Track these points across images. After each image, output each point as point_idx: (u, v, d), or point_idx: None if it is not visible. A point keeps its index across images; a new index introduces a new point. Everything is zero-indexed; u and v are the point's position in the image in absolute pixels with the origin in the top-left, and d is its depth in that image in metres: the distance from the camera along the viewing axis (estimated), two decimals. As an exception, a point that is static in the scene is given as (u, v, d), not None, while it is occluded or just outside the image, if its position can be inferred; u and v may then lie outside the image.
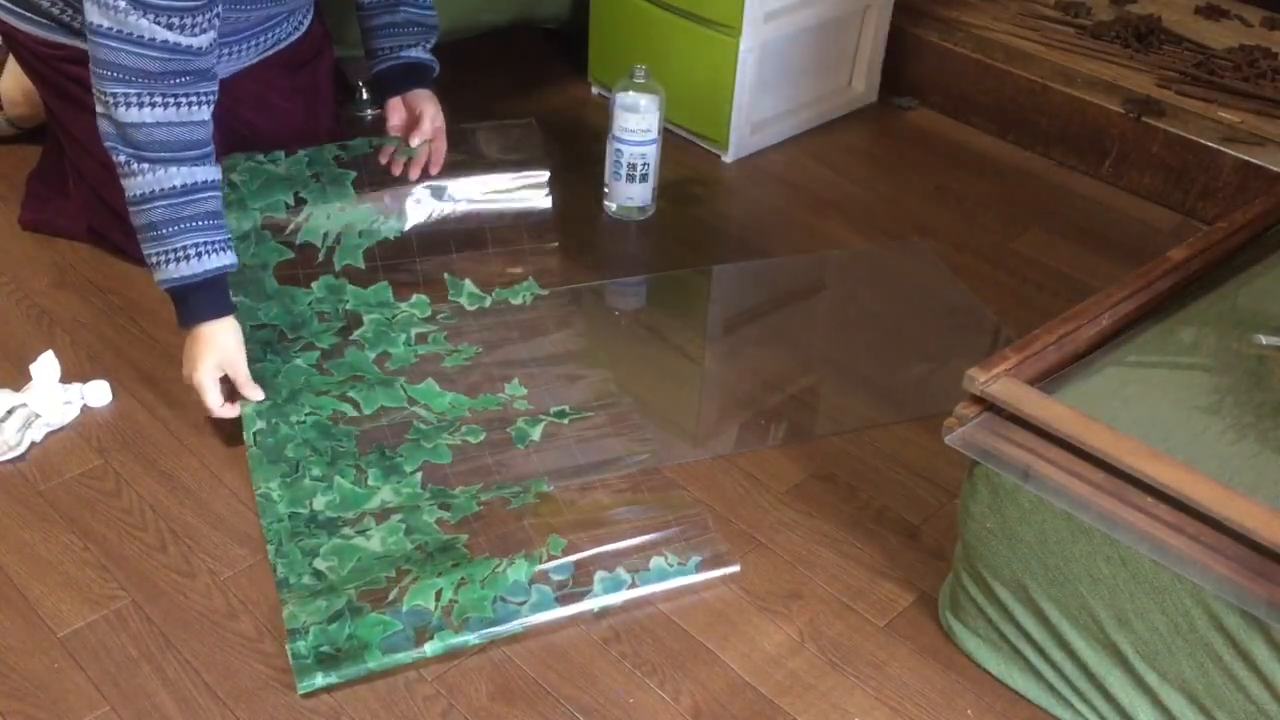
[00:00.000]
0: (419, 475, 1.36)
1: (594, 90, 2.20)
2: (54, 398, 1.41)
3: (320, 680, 1.14)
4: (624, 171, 1.81)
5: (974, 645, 1.21)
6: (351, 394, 1.44)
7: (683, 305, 1.71)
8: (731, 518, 1.36)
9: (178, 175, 1.33)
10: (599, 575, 1.24)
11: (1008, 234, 1.89)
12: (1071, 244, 1.88)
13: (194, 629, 1.20)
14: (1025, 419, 1.09)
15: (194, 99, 1.33)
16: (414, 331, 1.54)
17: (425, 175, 1.61)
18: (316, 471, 1.34)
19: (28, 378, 1.46)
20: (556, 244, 1.66)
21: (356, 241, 1.56)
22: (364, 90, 2.06)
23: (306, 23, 1.66)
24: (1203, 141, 1.92)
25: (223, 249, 1.37)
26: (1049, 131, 2.08)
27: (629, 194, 1.83)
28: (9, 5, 1.51)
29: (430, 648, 1.17)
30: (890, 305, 1.71)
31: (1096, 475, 1.05)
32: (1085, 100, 2.02)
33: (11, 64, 1.80)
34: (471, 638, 1.18)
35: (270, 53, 1.60)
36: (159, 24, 1.28)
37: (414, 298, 1.58)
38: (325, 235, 1.55)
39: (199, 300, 1.37)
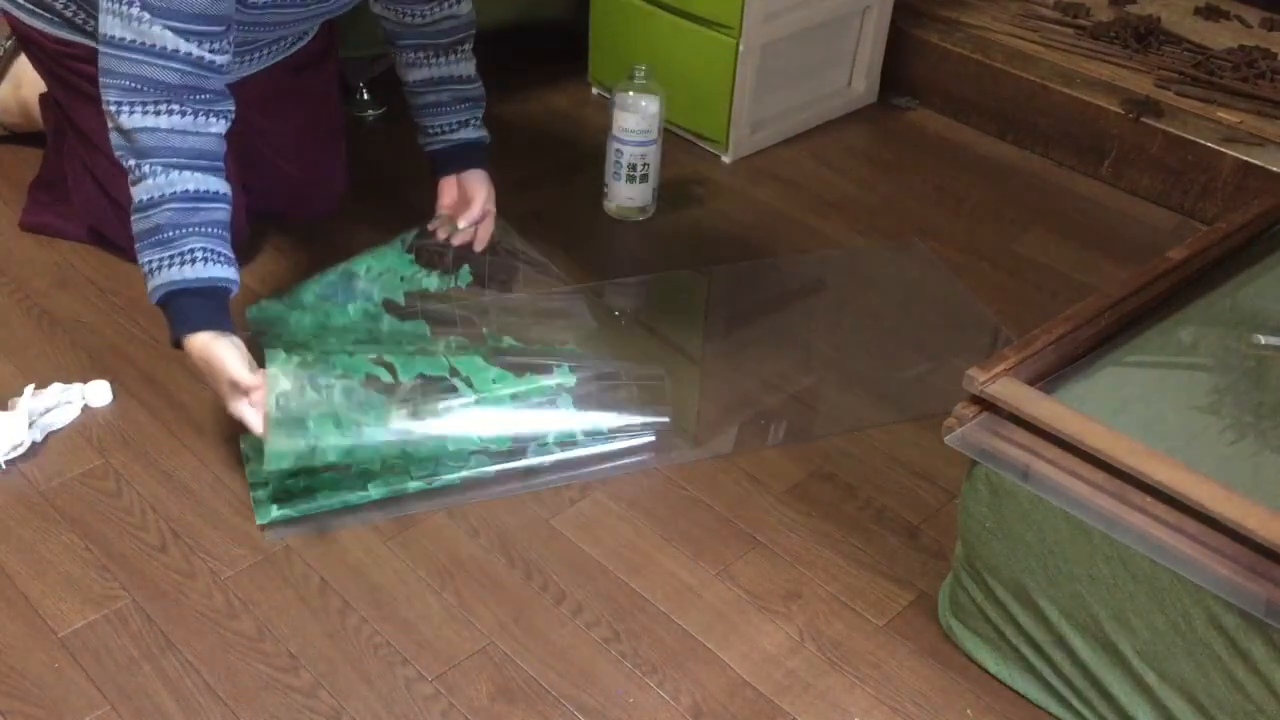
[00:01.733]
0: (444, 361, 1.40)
1: (594, 90, 2.20)
2: (53, 399, 1.42)
3: (275, 513, 1.30)
4: (624, 171, 1.81)
5: (974, 645, 1.21)
6: (389, 358, 1.40)
7: (683, 305, 1.71)
8: (731, 518, 1.36)
9: (190, 180, 1.28)
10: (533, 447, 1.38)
11: (1008, 234, 1.89)
12: (1071, 244, 1.88)
13: (194, 629, 1.20)
14: (1025, 419, 1.09)
15: (210, 113, 1.30)
16: (454, 342, 1.50)
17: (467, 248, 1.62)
18: (332, 458, 1.30)
19: (28, 378, 1.46)
20: (596, 325, 1.64)
21: (398, 283, 1.58)
22: (364, 91, 2.06)
23: (314, 29, 1.66)
24: (1202, 142, 1.92)
25: (229, 263, 1.31)
26: (1049, 132, 2.08)
27: (629, 194, 1.84)
28: (20, 1, 1.52)
29: (374, 488, 1.32)
30: (890, 305, 1.71)
31: (1096, 475, 1.05)
32: (1085, 101, 2.02)
33: (9, 74, 1.81)
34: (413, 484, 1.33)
35: (278, 60, 1.60)
36: (182, 36, 1.25)
37: (452, 338, 1.52)
38: (369, 268, 1.56)
39: (199, 308, 1.28)
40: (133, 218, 1.29)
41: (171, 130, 1.28)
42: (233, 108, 1.33)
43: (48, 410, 1.42)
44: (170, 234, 1.27)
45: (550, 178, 1.95)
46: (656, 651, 1.21)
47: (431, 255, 1.61)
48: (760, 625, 1.24)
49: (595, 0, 2.10)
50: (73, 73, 1.54)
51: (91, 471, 1.37)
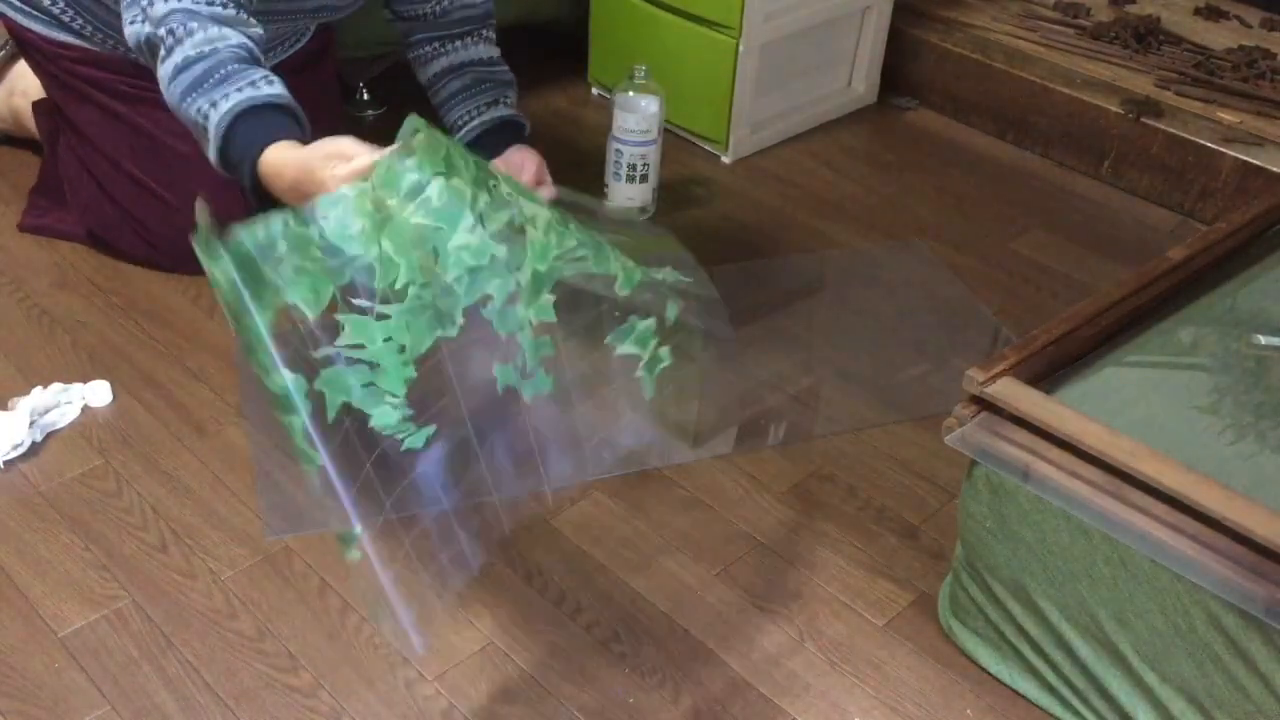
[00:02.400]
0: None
1: (594, 90, 2.20)
2: (53, 399, 1.42)
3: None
4: (624, 171, 1.81)
5: (974, 645, 1.21)
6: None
7: (683, 305, 1.71)
8: (731, 518, 1.36)
9: (240, 37, 1.15)
10: None
11: (1008, 234, 1.89)
12: (1071, 244, 1.88)
13: (194, 629, 1.20)
14: (1025, 419, 1.09)
15: (243, 23, 1.19)
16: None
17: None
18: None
19: (28, 378, 1.46)
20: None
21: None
22: (364, 91, 2.06)
23: (311, 29, 1.66)
24: (1202, 142, 1.92)
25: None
26: (1048, 132, 2.08)
27: (629, 194, 1.84)
28: (18, 4, 1.52)
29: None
30: (890, 305, 1.71)
31: (1096, 475, 1.05)
32: (1084, 101, 2.02)
33: (4, 82, 1.82)
34: None
35: (276, 61, 1.60)
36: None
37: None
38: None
39: (276, 122, 1.12)
40: (174, 80, 1.14)
41: (210, 17, 1.16)
42: (261, 32, 1.20)
43: (48, 410, 1.42)
44: (234, 67, 1.14)
45: (550, 177, 1.94)
46: (656, 651, 1.21)
47: None
48: (760, 625, 1.24)
49: (595, 0, 2.10)
50: (70, 74, 1.54)
51: (91, 471, 1.37)
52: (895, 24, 2.18)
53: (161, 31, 1.15)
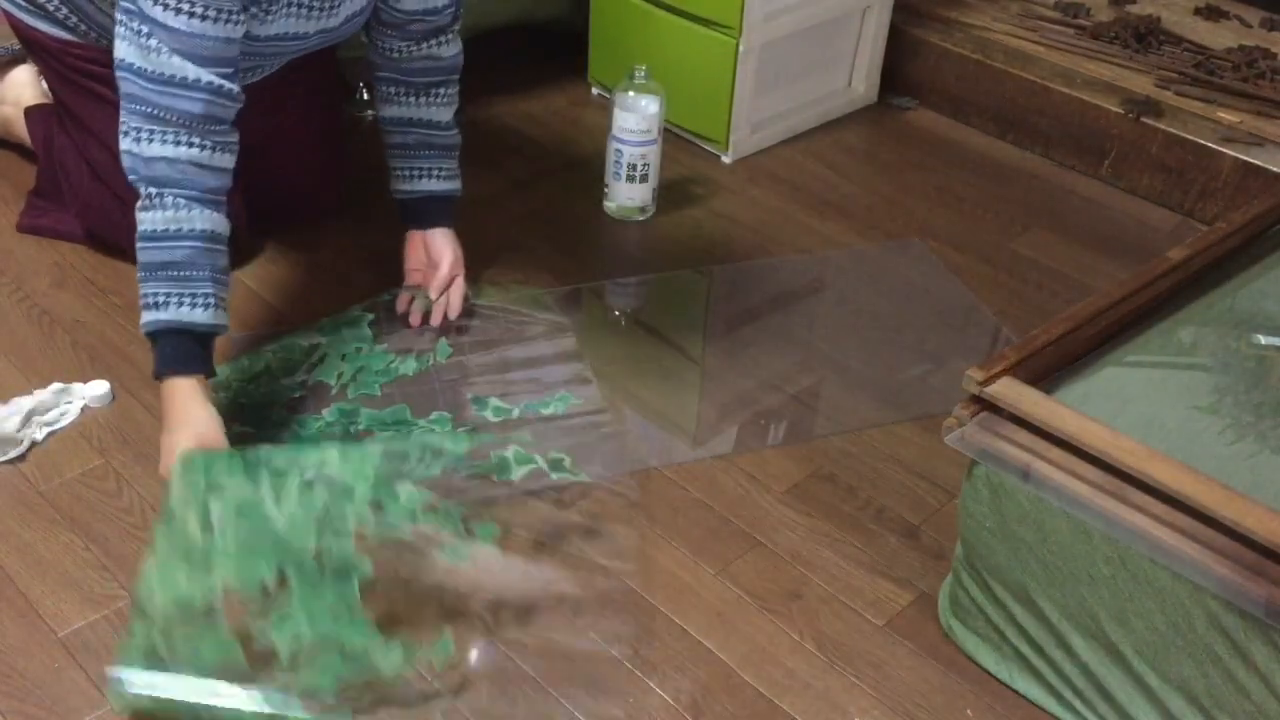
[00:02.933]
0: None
1: (594, 90, 2.20)
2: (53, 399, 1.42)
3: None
4: (624, 171, 1.81)
5: (974, 645, 1.21)
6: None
7: (683, 305, 1.71)
8: (731, 518, 1.36)
9: (208, 220, 1.30)
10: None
11: (1008, 234, 1.89)
12: (1071, 244, 1.88)
13: (194, 629, 1.20)
14: (1025, 419, 1.09)
15: (223, 147, 1.32)
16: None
17: (445, 320, 1.58)
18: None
19: (28, 378, 1.46)
20: (588, 368, 1.54)
21: (373, 378, 1.48)
22: (364, 91, 2.06)
23: None
24: (1202, 142, 1.92)
25: (226, 309, 1.33)
26: (1049, 132, 2.08)
27: (629, 194, 1.84)
28: (21, 2, 1.53)
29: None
30: (890, 305, 1.71)
31: (1096, 475, 1.05)
32: (1085, 100, 2.02)
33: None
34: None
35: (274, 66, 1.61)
36: (200, 66, 1.27)
37: (434, 414, 1.44)
38: (340, 375, 1.48)
39: (197, 356, 1.30)
40: (142, 244, 1.29)
41: (190, 163, 1.28)
42: (238, 140, 1.34)
43: (48, 410, 1.42)
44: (188, 273, 1.28)
45: (550, 178, 1.95)
46: (656, 651, 1.21)
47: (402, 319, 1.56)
48: (760, 625, 1.24)
49: (595, 0, 2.10)
50: (76, 70, 1.55)
51: (91, 471, 1.37)
52: (895, 24, 2.18)
53: (146, 188, 1.28)
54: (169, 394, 1.29)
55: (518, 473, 1.36)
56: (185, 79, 1.27)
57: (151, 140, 1.27)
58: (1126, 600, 1.06)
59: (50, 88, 1.65)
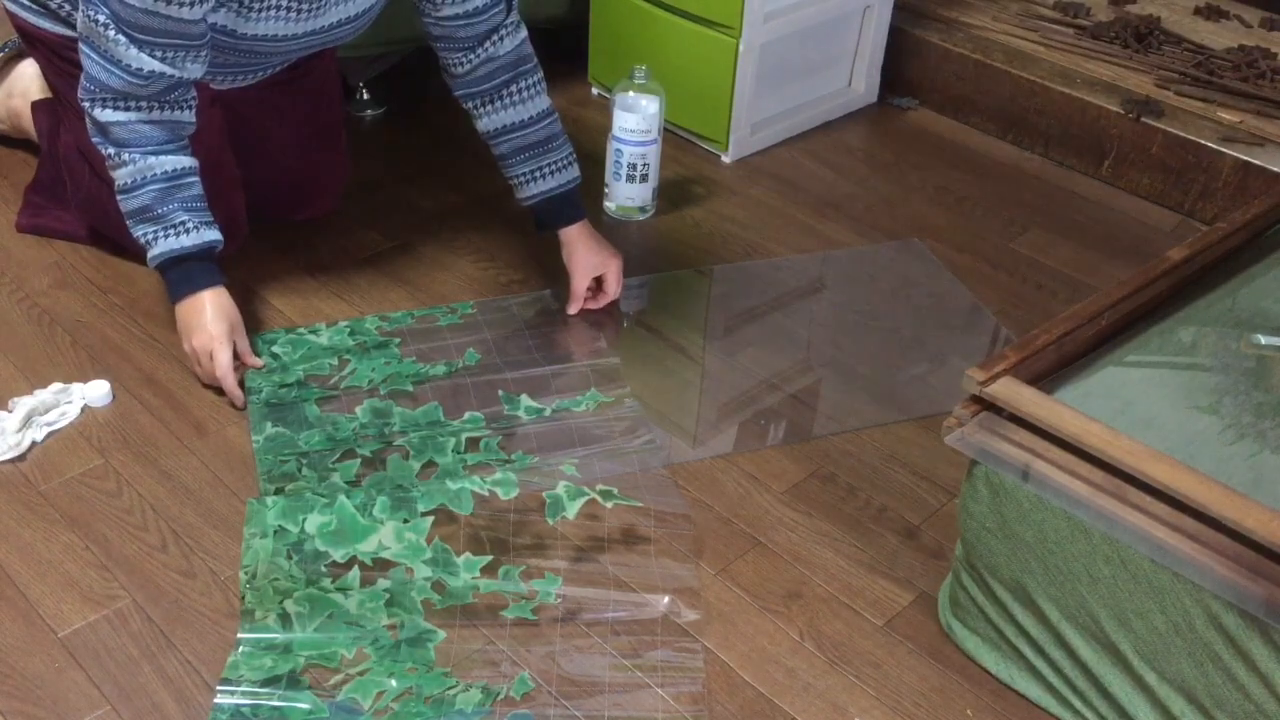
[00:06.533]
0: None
1: (594, 90, 2.20)
2: (53, 399, 1.42)
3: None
4: (624, 171, 1.81)
5: (974, 645, 1.21)
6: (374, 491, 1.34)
7: (683, 305, 1.71)
8: (731, 518, 1.36)
9: (165, 163, 1.41)
10: None
11: (1008, 234, 1.89)
12: (1071, 244, 1.88)
13: (194, 628, 1.20)
14: (1025, 419, 1.09)
15: (174, 104, 1.41)
16: (464, 437, 1.42)
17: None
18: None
19: (28, 378, 1.46)
20: (618, 360, 1.56)
21: (402, 383, 1.49)
22: (364, 91, 2.06)
23: None
24: (1202, 142, 1.92)
25: (211, 226, 1.45)
26: (1049, 131, 2.08)
27: (629, 194, 1.84)
28: (25, 2, 1.53)
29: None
30: (890, 305, 1.71)
31: (1096, 475, 1.05)
32: (1085, 100, 2.02)
33: (2, 84, 1.82)
34: None
35: (275, 68, 1.61)
36: (153, 56, 1.34)
37: (467, 414, 1.45)
38: (370, 380, 1.49)
39: (197, 270, 1.45)
40: (119, 198, 1.43)
41: (142, 121, 1.39)
42: (195, 94, 1.43)
43: (48, 410, 1.42)
44: (158, 210, 1.42)
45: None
46: (656, 651, 1.21)
47: None
48: (760, 625, 1.24)
49: (595, 0, 2.10)
50: (77, 65, 1.55)
51: (91, 471, 1.37)
52: (895, 24, 2.18)
53: (107, 149, 1.41)
54: (184, 310, 1.46)
55: (572, 509, 1.35)
56: (136, 69, 1.35)
57: (105, 107, 1.38)
58: (1126, 600, 1.06)
59: (51, 84, 1.65)
